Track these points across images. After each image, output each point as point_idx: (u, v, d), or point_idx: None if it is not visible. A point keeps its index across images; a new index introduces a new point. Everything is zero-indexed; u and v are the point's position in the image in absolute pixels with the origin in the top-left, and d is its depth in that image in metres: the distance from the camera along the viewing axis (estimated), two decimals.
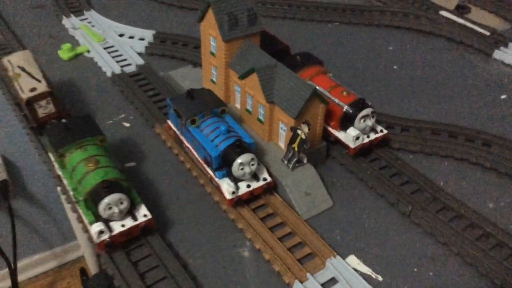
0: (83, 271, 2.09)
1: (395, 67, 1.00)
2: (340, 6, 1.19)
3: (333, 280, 0.60)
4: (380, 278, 0.61)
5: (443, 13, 1.14)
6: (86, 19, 1.12)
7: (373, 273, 0.62)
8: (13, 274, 1.77)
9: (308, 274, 0.60)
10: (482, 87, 0.95)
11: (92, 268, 1.93)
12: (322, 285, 0.59)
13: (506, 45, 1.04)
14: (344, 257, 0.63)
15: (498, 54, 1.02)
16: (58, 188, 0.75)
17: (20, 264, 1.87)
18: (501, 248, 0.64)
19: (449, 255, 0.64)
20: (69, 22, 1.10)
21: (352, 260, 0.63)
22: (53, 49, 1.01)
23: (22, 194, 1.84)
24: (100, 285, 1.68)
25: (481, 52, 1.04)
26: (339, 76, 0.95)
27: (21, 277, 1.90)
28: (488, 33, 1.07)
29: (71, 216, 1.69)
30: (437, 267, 0.63)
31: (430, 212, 0.68)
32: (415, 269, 0.62)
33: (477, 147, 0.79)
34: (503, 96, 0.92)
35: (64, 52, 1.00)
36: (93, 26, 1.09)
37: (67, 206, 1.53)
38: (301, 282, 0.59)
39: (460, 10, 1.17)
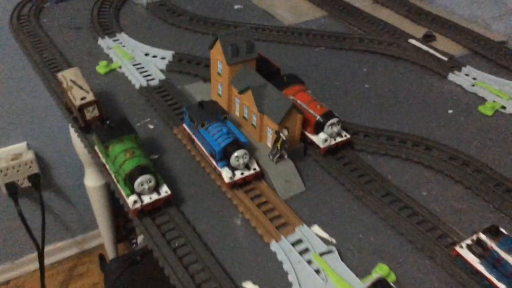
0: (102, 257, 2.37)
1: (366, 85, 1.24)
2: (327, 33, 1.42)
3: (299, 241, 0.84)
4: (334, 241, 0.85)
5: (412, 41, 1.37)
6: (118, 40, 1.37)
7: (330, 237, 0.85)
8: (41, 257, 2.03)
9: (282, 236, 0.84)
10: (435, 103, 1.18)
11: (110, 255, 2.19)
12: (292, 244, 0.83)
13: (459, 69, 1.27)
14: (309, 226, 0.86)
15: (452, 77, 1.25)
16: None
17: (46, 249, 2.13)
18: (425, 222, 0.87)
19: (387, 227, 0.87)
20: (104, 43, 1.35)
21: (315, 228, 0.87)
22: (92, 65, 1.26)
23: (51, 187, 2.11)
24: (117, 268, 1.92)
25: (438, 75, 1.27)
26: (320, 92, 1.20)
27: (45, 262, 2.15)
28: (446, 59, 1.30)
29: (95, 206, 1.95)
30: (377, 235, 0.86)
31: (377, 196, 0.91)
32: (360, 235, 0.86)
33: (420, 150, 1.02)
34: (450, 111, 1.15)
35: (101, 68, 1.25)
36: (123, 46, 1.34)
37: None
38: (277, 242, 0.83)
39: (427, 38, 1.40)
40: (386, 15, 1.54)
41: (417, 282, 0.78)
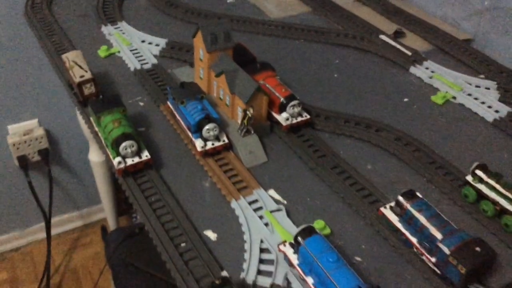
0: (104, 228, 2.56)
1: (335, 75, 1.39)
2: (307, 27, 1.57)
3: (255, 201, 1.00)
4: (285, 202, 1.01)
5: (382, 36, 1.52)
6: (119, 27, 1.53)
7: (282, 199, 1.01)
8: (48, 227, 2.21)
9: (241, 196, 1.00)
10: (393, 92, 1.32)
11: (111, 226, 2.38)
12: (248, 203, 0.99)
13: (421, 63, 1.41)
14: (266, 190, 1.02)
15: (413, 69, 1.40)
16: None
17: (53, 220, 2.31)
18: (363, 190, 1.02)
19: (331, 193, 1.03)
20: (106, 30, 1.52)
21: (271, 192, 1.03)
22: (94, 49, 1.43)
23: (59, 162, 2.29)
24: (117, 238, 2.10)
25: (401, 67, 1.42)
26: (293, 80, 1.35)
27: (52, 232, 2.34)
28: (410, 53, 1.44)
29: (98, 181, 2.12)
30: (322, 199, 1.01)
31: (327, 168, 1.07)
32: (308, 199, 1.01)
33: (371, 132, 1.17)
34: (405, 99, 1.30)
35: (102, 52, 1.41)
36: (123, 33, 1.50)
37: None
38: (236, 200, 0.99)
39: (397, 35, 1.55)
40: (364, 12, 1.68)
41: (348, 236, 0.94)
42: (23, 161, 2.13)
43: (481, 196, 0.96)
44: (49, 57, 1.40)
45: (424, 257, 0.86)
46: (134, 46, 1.45)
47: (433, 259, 0.84)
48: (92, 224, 2.61)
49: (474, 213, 0.97)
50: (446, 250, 0.80)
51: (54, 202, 2.29)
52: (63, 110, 2.15)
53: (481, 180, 0.96)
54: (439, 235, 0.83)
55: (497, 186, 0.94)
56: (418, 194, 0.90)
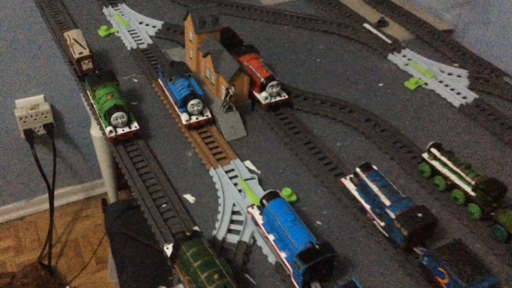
0: (104, 201, 2.69)
1: (318, 60, 1.49)
2: (296, 14, 1.66)
3: (232, 170, 1.10)
4: (259, 172, 1.11)
5: (366, 25, 1.61)
6: (119, 9, 1.64)
7: (256, 169, 1.12)
8: (51, 197, 2.34)
9: (219, 166, 1.11)
10: (370, 77, 1.42)
11: (111, 199, 2.50)
12: (225, 171, 1.10)
13: (399, 51, 1.51)
14: (243, 160, 1.13)
15: (391, 57, 1.49)
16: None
17: (56, 192, 2.44)
18: (331, 164, 1.13)
19: (302, 166, 1.13)
20: (107, 11, 1.62)
21: (247, 162, 1.13)
22: (95, 28, 1.53)
23: (63, 136, 2.41)
24: (116, 211, 2.22)
25: (380, 54, 1.51)
26: (277, 62, 1.45)
27: (55, 203, 2.46)
28: (390, 42, 1.54)
29: (99, 155, 2.24)
30: (293, 171, 1.12)
31: (300, 144, 1.17)
32: (280, 170, 1.12)
33: (345, 112, 1.27)
34: (380, 84, 1.40)
35: (102, 31, 1.52)
36: (123, 15, 1.61)
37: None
38: (214, 169, 1.10)
39: (380, 23, 1.64)
40: (351, 1, 1.77)
41: (312, 203, 1.05)
42: (29, 135, 2.24)
43: (435, 172, 1.07)
44: (53, 35, 1.51)
45: (375, 222, 0.97)
46: (132, 27, 1.55)
47: (382, 223, 0.94)
48: (94, 197, 2.74)
49: (429, 187, 1.08)
50: (392, 215, 0.91)
51: (58, 175, 2.41)
52: (68, 87, 2.26)
53: (435, 157, 1.06)
54: (388, 202, 0.93)
55: (449, 163, 1.04)
56: (374, 166, 1.00)
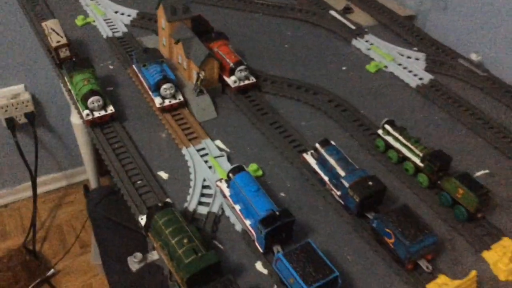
0: (86, 187, 2.76)
1: (286, 45, 1.57)
2: (266, 2, 1.74)
3: (203, 148, 1.19)
4: (228, 150, 1.20)
5: (332, 12, 1.70)
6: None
7: (226, 148, 1.20)
8: (34, 185, 2.39)
9: (191, 145, 1.19)
10: (334, 61, 1.51)
11: (93, 185, 2.56)
12: (197, 150, 1.18)
13: (362, 37, 1.60)
14: (213, 140, 1.22)
15: (354, 42, 1.58)
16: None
17: (39, 180, 2.49)
18: (295, 141, 1.22)
19: (268, 144, 1.22)
20: (83, 1, 1.68)
21: (217, 142, 1.22)
22: (72, 18, 1.60)
23: (44, 124, 2.46)
24: (98, 196, 2.28)
25: (344, 40, 1.60)
26: (248, 49, 1.53)
27: (38, 191, 2.52)
28: (354, 28, 1.63)
29: (79, 142, 2.29)
30: (260, 148, 1.21)
31: (267, 123, 1.26)
32: (248, 148, 1.21)
33: (309, 94, 1.36)
34: (343, 68, 1.49)
35: (79, 21, 1.58)
36: (99, 4, 1.67)
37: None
38: (186, 148, 1.18)
39: (346, 10, 1.73)
40: None
41: (277, 177, 1.13)
42: (11, 123, 2.30)
43: (388, 146, 1.16)
44: (31, 25, 1.57)
45: (332, 192, 1.06)
46: (108, 16, 1.62)
47: (339, 193, 1.04)
48: (75, 184, 2.80)
49: (383, 160, 1.18)
50: (346, 184, 1.00)
51: (40, 163, 2.47)
52: (48, 76, 2.32)
53: (388, 133, 1.16)
54: (343, 173, 1.03)
55: (400, 138, 1.14)
56: (331, 142, 1.10)
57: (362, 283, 0.93)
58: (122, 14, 1.64)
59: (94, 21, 1.60)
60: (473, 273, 0.89)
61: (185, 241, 0.88)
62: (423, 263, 0.94)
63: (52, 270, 2.32)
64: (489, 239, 1.01)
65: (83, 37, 1.53)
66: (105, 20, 1.59)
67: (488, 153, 1.22)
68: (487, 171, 1.17)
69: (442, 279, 0.92)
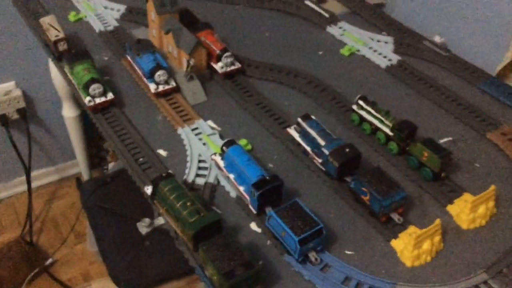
0: (78, 180, 2.86)
1: (266, 34, 1.70)
2: None
3: (196, 128, 1.31)
4: (219, 129, 1.33)
5: (307, 2, 1.83)
6: None
7: (217, 127, 1.33)
8: (28, 178, 2.48)
9: (185, 125, 1.31)
10: (311, 47, 1.64)
11: (85, 177, 2.65)
12: (191, 130, 1.30)
13: (336, 24, 1.73)
14: (205, 120, 1.34)
15: (329, 29, 1.71)
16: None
17: (32, 174, 2.57)
18: (279, 119, 1.35)
19: (255, 122, 1.34)
20: None
21: (209, 122, 1.34)
22: (65, 14, 1.70)
23: (35, 120, 2.55)
24: (91, 187, 2.39)
25: (320, 27, 1.73)
26: (231, 38, 1.65)
27: (32, 185, 2.60)
28: (327, 15, 1.76)
29: (71, 135, 2.39)
30: (248, 126, 1.33)
31: (253, 104, 1.39)
32: (237, 126, 1.34)
33: (291, 77, 1.49)
34: (320, 52, 1.62)
35: (72, 17, 1.69)
36: (89, 1, 1.78)
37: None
38: (182, 128, 1.31)
39: (320, 0, 1.86)
40: None
41: (265, 150, 1.27)
42: (4, 120, 2.38)
43: (362, 119, 1.31)
44: (27, 22, 1.67)
45: (314, 160, 1.20)
46: (98, 11, 1.72)
47: (320, 160, 1.17)
48: (67, 178, 2.89)
49: (358, 132, 1.32)
50: (327, 152, 1.14)
51: (32, 158, 2.55)
52: (38, 72, 2.40)
53: (362, 108, 1.30)
54: (323, 143, 1.16)
55: (372, 111, 1.28)
56: (312, 116, 1.23)
57: (343, 235, 1.07)
58: (112, 9, 1.75)
59: (85, 17, 1.70)
60: (437, 220, 1.04)
61: (188, 204, 1.00)
62: (395, 216, 1.08)
63: (50, 260, 2.41)
64: (452, 195, 1.16)
65: (76, 31, 1.64)
66: (96, 15, 1.70)
67: (450, 123, 1.37)
68: (450, 138, 1.32)
69: (411, 229, 1.06)
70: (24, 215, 2.62)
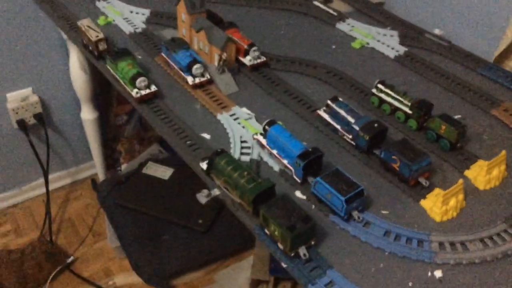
0: (93, 180, 2.97)
1: (281, 32, 1.85)
2: None
3: (233, 114, 1.45)
4: (254, 114, 1.46)
5: (315, 2, 1.99)
6: (110, 2, 1.93)
7: (251, 112, 1.47)
8: (46, 178, 2.57)
9: (223, 112, 1.45)
10: (325, 42, 1.80)
11: (101, 178, 2.75)
12: (229, 115, 1.44)
13: (344, 21, 1.90)
14: (240, 107, 1.48)
15: (338, 25, 1.88)
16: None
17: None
18: (307, 104, 1.50)
19: (283, 107, 1.49)
20: (100, 4, 1.91)
21: (243, 109, 1.47)
22: (94, 19, 1.83)
23: (50, 125, 2.65)
24: (107, 186, 2.51)
25: (329, 24, 1.90)
26: (250, 35, 1.79)
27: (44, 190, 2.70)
28: (335, 14, 1.93)
29: (89, 136, 2.48)
30: (277, 112, 1.47)
31: (280, 91, 1.53)
32: (268, 111, 1.48)
33: (310, 68, 1.64)
34: (333, 46, 1.78)
35: (101, 21, 1.81)
36: (114, 6, 1.90)
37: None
38: (221, 114, 1.44)
39: (327, 1, 2.03)
40: None
41: (297, 132, 1.40)
42: (22, 124, 2.48)
43: (381, 101, 1.46)
44: (61, 26, 1.79)
45: (345, 137, 1.35)
46: (125, 15, 1.85)
47: (350, 136, 1.32)
48: (79, 181, 2.99)
49: (379, 113, 1.47)
50: (357, 128, 1.29)
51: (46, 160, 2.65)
52: (54, 78, 2.51)
53: (381, 91, 1.46)
54: (352, 120, 1.31)
55: (391, 93, 1.43)
56: (339, 98, 1.38)
57: (378, 198, 1.22)
58: (137, 13, 1.88)
59: (114, 21, 1.83)
60: (460, 180, 1.19)
61: (245, 173, 1.14)
62: (422, 180, 1.23)
63: (71, 257, 2.50)
64: (468, 162, 1.31)
65: (108, 34, 1.76)
66: (124, 19, 1.83)
67: (458, 103, 1.54)
68: (459, 116, 1.48)
69: (437, 190, 1.21)
70: (40, 218, 2.70)
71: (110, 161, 2.87)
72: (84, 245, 2.63)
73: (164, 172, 2.38)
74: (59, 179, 2.91)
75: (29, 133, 2.52)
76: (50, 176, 2.85)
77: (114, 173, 2.90)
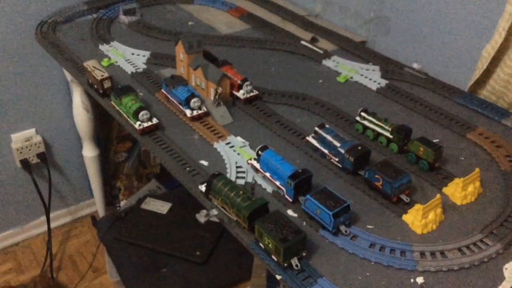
0: (93, 217, 3.05)
1: (272, 69, 2.00)
2: (249, 38, 2.18)
3: (229, 142, 1.57)
4: (248, 142, 1.58)
5: (303, 42, 2.16)
6: (112, 45, 2.08)
7: (245, 141, 1.58)
8: (48, 216, 2.66)
9: (220, 140, 1.57)
10: (312, 77, 1.94)
11: (101, 214, 2.83)
12: (225, 144, 1.56)
13: (330, 58, 2.05)
14: (235, 136, 1.60)
15: (324, 62, 2.03)
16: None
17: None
18: (296, 132, 1.62)
19: (274, 135, 1.61)
20: (103, 47, 2.06)
21: (238, 138, 1.59)
22: (98, 61, 1.97)
23: (53, 164, 2.75)
24: (107, 222, 2.62)
25: (316, 61, 2.05)
26: (243, 71, 1.94)
27: (46, 228, 2.78)
28: (322, 52, 2.08)
29: (90, 173, 2.58)
30: (270, 140, 1.60)
31: (272, 122, 1.66)
32: (261, 140, 1.60)
33: (299, 100, 1.78)
34: (320, 81, 1.93)
35: (105, 62, 1.96)
36: (117, 49, 2.05)
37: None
38: (217, 143, 1.56)
39: (313, 40, 2.19)
40: (289, 27, 2.32)
41: (288, 157, 1.51)
42: (26, 164, 2.58)
43: (365, 128, 1.59)
44: (67, 67, 1.93)
45: (332, 160, 1.46)
46: (127, 57, 2.00)
47: (337, 159, 1.44)
48: (78, 219, 3.06)
49: (363, 138, 1.59)
50: (343, 151, 1.41)
51: (46, 198, 2.74)
52: (56, 119, 2.64)
53: (364, 118, 1.59)
54: (338, 144, 1.43)
55: (374, 120, 1.56)
56: (326, 125, 1.51)
57: (363, 214, 1.32)
58: (138, 55, 2.02)
59: (116, 62, 1.97)
60: (438, 195, 1.30)
61: (240, 192, 1.25)
62: (403, 197, 1.34)
63: None
64: (446, 180, 1.43)
65: (112, 74, 1.90)
66: (126, 60, 1.97)
67: (435, 129, 1.67)
68: (437, 140, 1.60)
69: (417, 206, 1.31)
70: (41, 255, 2.77)
71: (110, 198, 2.96)
72: (84, 280, 2.68)
73: (162, 207, 2.47)
74: (59, 217, 2.98)
75: (32, 172, 2.62)
76: (51, 214, 2.94)
77: (113, 209, 2.98)
